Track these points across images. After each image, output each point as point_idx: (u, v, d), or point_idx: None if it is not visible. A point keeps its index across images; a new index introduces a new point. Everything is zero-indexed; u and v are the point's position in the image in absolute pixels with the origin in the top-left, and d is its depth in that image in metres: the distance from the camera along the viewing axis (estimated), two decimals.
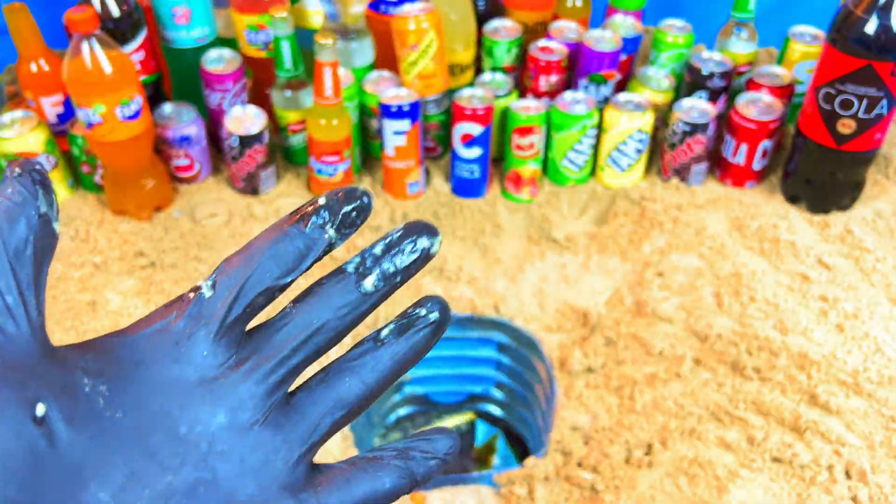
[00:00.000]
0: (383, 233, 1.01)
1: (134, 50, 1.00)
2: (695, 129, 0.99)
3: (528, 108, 0.99)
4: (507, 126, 1.00)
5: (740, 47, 1.08)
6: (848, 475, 0.74)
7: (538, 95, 1.05)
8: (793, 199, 1.03)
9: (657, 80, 1.06)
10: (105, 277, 0.93)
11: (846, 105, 0.91)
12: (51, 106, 1.00)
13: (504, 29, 1.07)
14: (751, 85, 1.04)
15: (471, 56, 1.07)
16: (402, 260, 0.30)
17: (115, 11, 0.97)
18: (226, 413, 0.27)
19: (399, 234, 0.30)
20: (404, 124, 0.97)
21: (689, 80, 1.05)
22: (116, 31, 0.97)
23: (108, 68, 0.88)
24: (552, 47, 1.04)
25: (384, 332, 0.30)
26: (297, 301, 0.29)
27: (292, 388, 0.29)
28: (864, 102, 0.90)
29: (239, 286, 0.28)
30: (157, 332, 0.28)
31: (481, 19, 1.08)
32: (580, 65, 1.04)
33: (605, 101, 1.03)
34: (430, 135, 1.08)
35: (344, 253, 0.91)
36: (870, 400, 0.79)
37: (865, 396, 0.79)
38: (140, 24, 1.00)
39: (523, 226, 1.02)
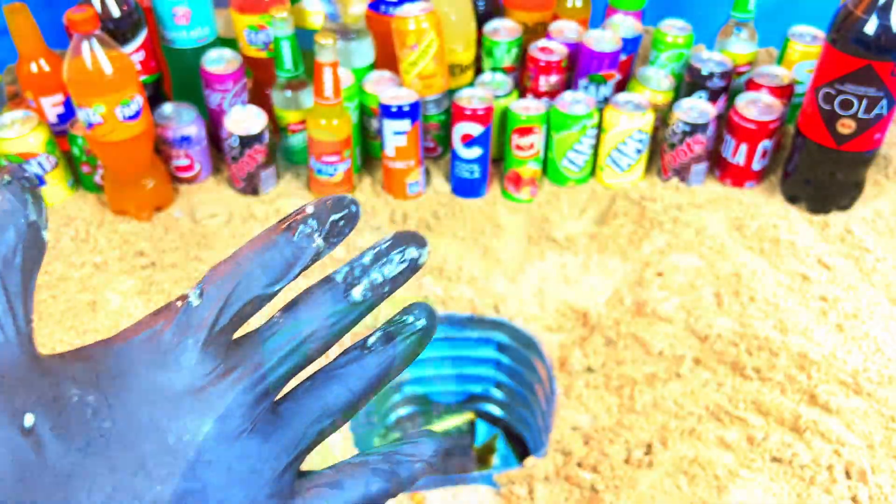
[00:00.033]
0: (383, 233, 1.01)
1: (134, 50, 1.00)
2: (695, 129, 0.99)
3: (528, 108, 0.99)
4: (507, 126, 1.00)
5: (740, 47, 1.08)
6: (848, 475, 0.74)
7: (538, 95, 1.05)
8: (792, 199, 1.03)
9: (657, 80, 1.06)
10: (105, 277, 0.93)
11: (846, 105, 0.91)
12: (51, 106, 1.01)
13: (504, 29, 1.07)
14: (750, 85, 1.04)
15: (471, 56, 1.07)
16: (391, 270, 0.30)
17: (116, 11, 0.97)
18: (213, 422, 0.27)
19: (388, 244, 0.30)
20: (404, 124, 0.97)
21: (689, 80, 1.05)
22: (117, 32, 0.97)
23: (108, 68, 0.88)
24: (552, 47, 1.04)
25: (371, 340, 0.30)
26: (284, 310, 0.29)
27: (279, 396, 0.29)
28: (864, 102, 0.90)
29: (227, 295, 0.28)
30: (145, 340, 0.28)
31: (481, 19, 1.08)
32: (580, 65, 1.04)
33: (605, 101, 1.03)
34: (430, 135, 1.08)
35: (344, 253, 0.91)
36: (870, 400, 0.79)
37: (865, 396, 0.79)
38: (140, 24, 1.00)
39: (523, 226, 1.02)
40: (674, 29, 1.09)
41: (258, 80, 1.08)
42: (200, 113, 1.03)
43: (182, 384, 0.27)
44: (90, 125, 0.91)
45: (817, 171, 0.99)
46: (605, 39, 1.03)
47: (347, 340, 0.58)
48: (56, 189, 1.01)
